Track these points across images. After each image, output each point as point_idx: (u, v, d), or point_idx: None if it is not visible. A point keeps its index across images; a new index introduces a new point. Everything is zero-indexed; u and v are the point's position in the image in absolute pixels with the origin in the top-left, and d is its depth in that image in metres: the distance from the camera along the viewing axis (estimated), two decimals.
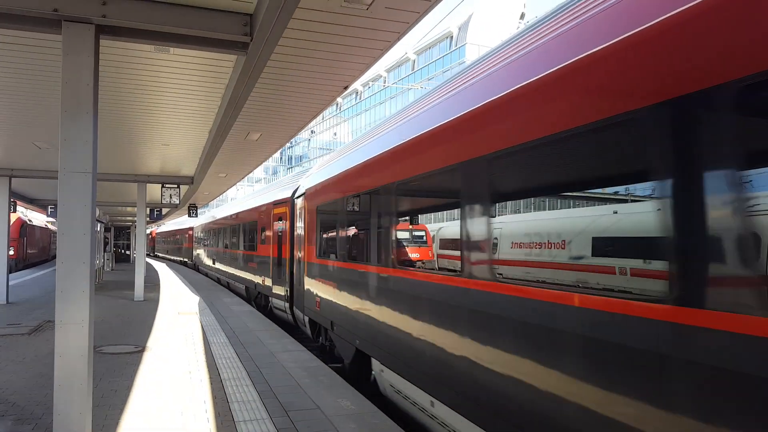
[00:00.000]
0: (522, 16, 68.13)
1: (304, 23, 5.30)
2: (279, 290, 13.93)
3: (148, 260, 42.81)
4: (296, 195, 12.48)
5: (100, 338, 9.82)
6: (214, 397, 6.49)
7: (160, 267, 38.00)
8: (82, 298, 4.59)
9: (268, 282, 15.15)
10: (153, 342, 9.87)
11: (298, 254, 11.91)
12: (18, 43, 5.95)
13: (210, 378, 7.36)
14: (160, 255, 61.40)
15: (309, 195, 10.83)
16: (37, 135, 10.62)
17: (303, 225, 11.37)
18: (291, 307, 12.78)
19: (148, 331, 11.10)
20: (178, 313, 13.79)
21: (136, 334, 10.74)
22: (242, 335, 10.69)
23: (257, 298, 17.47)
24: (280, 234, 14.24)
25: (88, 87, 4.66)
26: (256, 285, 17.14)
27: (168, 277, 27.09)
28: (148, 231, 48.01)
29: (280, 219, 14.35)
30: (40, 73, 6.96)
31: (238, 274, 20.76)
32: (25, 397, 6.36)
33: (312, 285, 10.33)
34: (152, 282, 23.48)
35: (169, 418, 5.70)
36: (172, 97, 8.00)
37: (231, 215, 22.73)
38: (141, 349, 9.17)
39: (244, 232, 19.46)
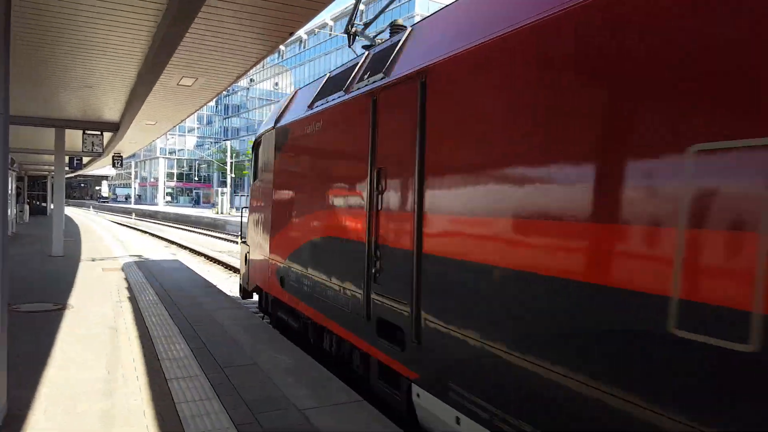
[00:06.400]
0: None
1: None
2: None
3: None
4: None
5: (14, 296, 9.14)
6: (144, 356, 6.17)
7: (80, 219, 36.04)
8: None
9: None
10: (75, 300, 9.30)
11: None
12: None
13: (139, 336, 7.01)
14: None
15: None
16: None
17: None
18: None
19: (69, 288, 10.47)
20: (102, 270, 13.10)
21: (56, 291, 10.10)
22: (172, 291, 10.27)
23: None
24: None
25: None
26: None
27: (89, 231, 25.73)
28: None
29: None
30: None
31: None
32: None
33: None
34: (72, 236, 22.22)
35: (93, 378, 5.36)
36: (97, 31, 7.26)
37: None
38: (61, 307, 8.61)
39: None
